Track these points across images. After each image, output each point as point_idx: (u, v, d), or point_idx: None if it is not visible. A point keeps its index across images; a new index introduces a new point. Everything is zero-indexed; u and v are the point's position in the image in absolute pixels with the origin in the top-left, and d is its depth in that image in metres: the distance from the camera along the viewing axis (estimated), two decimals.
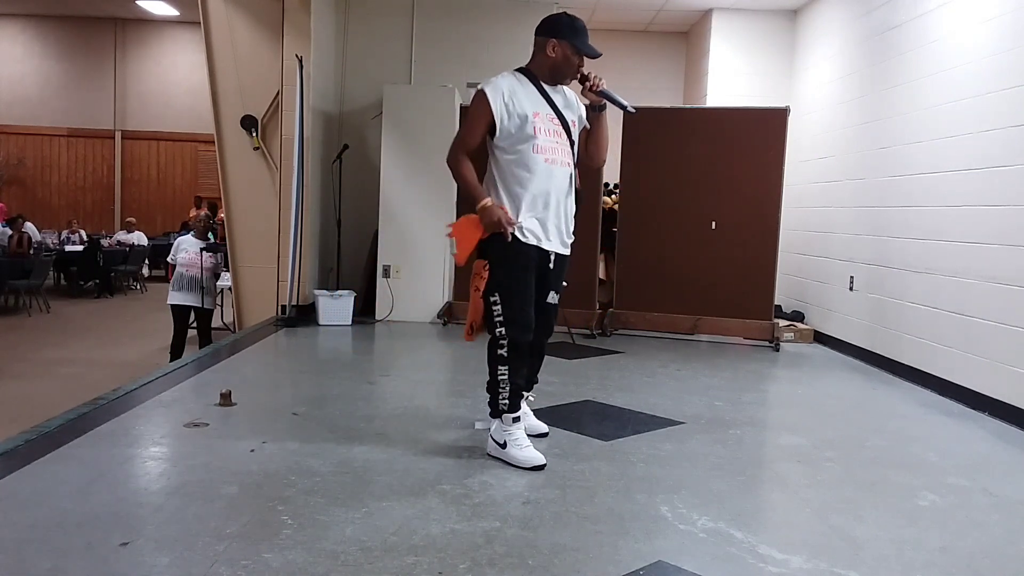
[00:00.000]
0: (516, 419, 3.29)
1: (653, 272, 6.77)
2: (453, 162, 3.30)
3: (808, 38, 7.75)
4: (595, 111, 3.41)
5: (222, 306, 8.20)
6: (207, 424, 3.65)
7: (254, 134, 7.32)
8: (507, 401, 3.28)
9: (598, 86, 3.31)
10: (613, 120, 6.89)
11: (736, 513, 2.84)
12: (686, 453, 3.54)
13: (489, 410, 3.38)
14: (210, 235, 7.59)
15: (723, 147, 6.64)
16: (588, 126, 3.45)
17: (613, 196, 7.51)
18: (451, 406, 4.36)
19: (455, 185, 7.04)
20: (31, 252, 11.71)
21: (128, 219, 14.71)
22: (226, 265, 7.55)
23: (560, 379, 4.97)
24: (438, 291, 7.08)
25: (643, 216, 6.81)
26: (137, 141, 16.15)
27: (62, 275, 13.62)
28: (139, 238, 13.98)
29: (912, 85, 5.60)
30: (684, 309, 6.68)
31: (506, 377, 3.27)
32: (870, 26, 6.32)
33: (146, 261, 14.20)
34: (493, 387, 3.33)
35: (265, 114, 7.31)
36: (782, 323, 6.91)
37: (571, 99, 3.45)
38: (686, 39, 9.22)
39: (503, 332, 3.25)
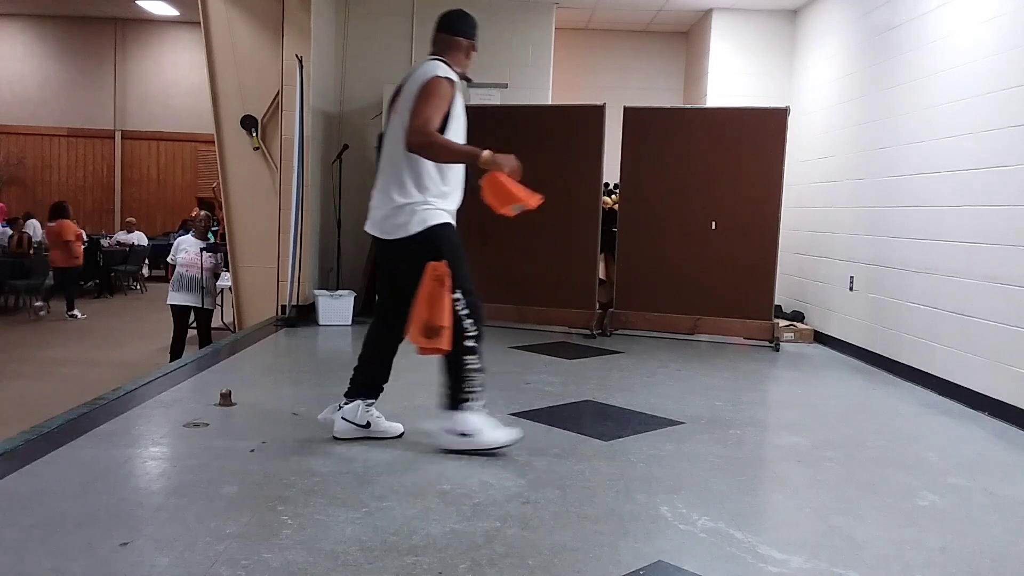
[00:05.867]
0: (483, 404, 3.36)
1: (653, 272, 6.77)
2: (430, 137, 3.17)
3: (808, 38, 7.75)
4: None
5: (222, 306, 8.20)
6: (207, 424, 3.65)
7: (254, 134, 7.32)
8: (477, 389, 3.31)
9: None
10: (614, 121, 6.94)
11: (736, 513, 2.84)
12: (686, 453, 3.54)
13: (447, 404, 3.36)
14: (210, 235, 7.60)
15: (723, 147, 6.64)
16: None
17: (613, 196, 7.51)
18: None
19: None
20: (31, 252, 11.71)
21: (128, 219, 14.70)
22: (226, 265, 7.55)
23: (560, 379, 4.97)
24: None
25: (643, 216, 6.81)
26: (137, 141, 16.14)
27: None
28: (139, 238, 13.97)
29: (912, 85, 5.60)
30: (684, 309, 6.68)
31: (477, 366, 3.30)
32: (870, 26, 6.32)
33: (146, 261, 14.19)
34: (458, 380, 3.30)
35: (265, 114, 7.32)
36: (782, 323, 6.91)
37: None
38: (686, 39, 9.22)
39: (471, 323, 3.26)
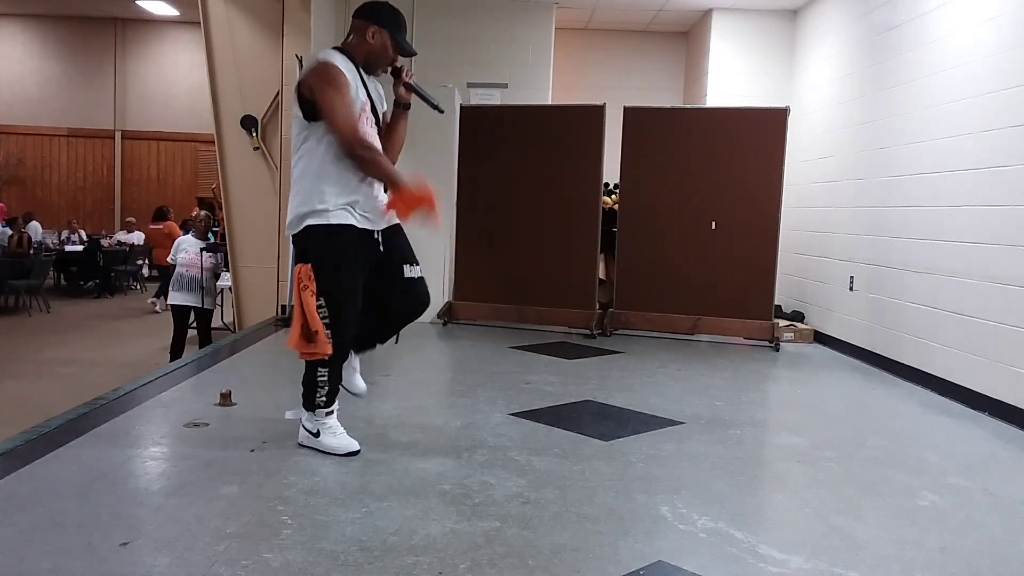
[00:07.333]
0: (330, 413, 3.29)
1: (653, 272, 6.77)
2: (363, 146, 3.07)
3: (808, 38, 7.75)
4: (401, 109, 3.39)
5: (222, 306, 8.20)
6: (207, 424, 3.65)
7: (254, 134, 7.32)
8: (324, 399, 3.26)
9: (410, 78, 3.33)
10: (614, 121, 6.92)
11: (736, 513, 2.84)
12: (686, 453, 3.54)
13: (302, 402, 3.31)
14: (210, 235, 7.59)
15: (723, 147, 6.64)
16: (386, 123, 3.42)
17: (613, 196, 7.51)
18: (451, 406, 4.37)
19: (455, 184, 7.09)
20: (31, 252, 11.71)
21: (128, 219, 14.71)
22: (226, 265, 7.55)
23: (560, 379, 4.97)
24: (438, 291, 7.08)
25: (643, 216, 6.81)
26: (137, 141, 16.14)
27: (62, 275, 13.62)
28: (139, 238, 13.98)
29: (912, 85, 5.60)
30: (684, 309, 6.68)
31: (325, 379, 3.22)
32: (870, 26, 6.32)
33: (146, 261, 14.20)
34: (310, 385, 3.24)
35: (265, 114, 7.31)
36: (782, 323, 6.91)
37: (381, 92, 3.38)
38: (686, 39, 9.22)
39: (327, 335, 3.11)
